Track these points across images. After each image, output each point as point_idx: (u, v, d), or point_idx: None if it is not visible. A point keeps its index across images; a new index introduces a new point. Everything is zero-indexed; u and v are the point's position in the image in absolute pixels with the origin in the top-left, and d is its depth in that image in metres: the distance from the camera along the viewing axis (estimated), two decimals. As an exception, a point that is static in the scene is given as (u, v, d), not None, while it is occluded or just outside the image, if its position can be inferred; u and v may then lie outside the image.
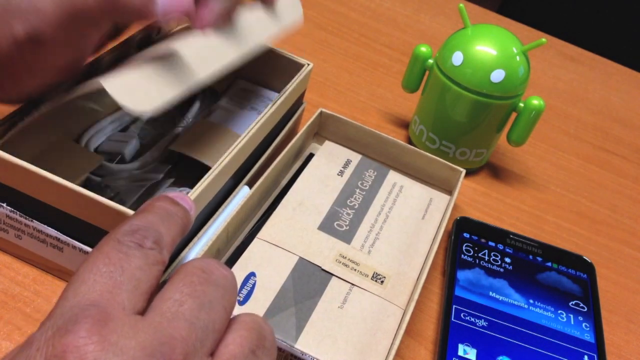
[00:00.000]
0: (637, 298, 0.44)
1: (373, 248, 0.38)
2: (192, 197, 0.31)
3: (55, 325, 0.19)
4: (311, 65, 0.43)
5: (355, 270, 0.36)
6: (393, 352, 0.32)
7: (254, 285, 0.33)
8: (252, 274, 0.34)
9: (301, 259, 0.36)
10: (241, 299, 0.33)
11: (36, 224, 0.31)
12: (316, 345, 0.32)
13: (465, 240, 0.42)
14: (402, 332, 0.33)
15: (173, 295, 0.22)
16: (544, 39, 0.44)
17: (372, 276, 0.36)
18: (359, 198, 0.41)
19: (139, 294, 0.21)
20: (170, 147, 0.39)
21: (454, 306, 0.38)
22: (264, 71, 0.46)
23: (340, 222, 0.39)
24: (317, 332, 0.32)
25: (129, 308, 0.21)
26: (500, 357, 0.36)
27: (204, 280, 0.23)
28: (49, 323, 0.20)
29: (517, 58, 0.45)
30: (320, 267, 0.36)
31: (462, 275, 0.40)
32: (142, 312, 0.21)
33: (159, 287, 0.23)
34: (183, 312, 0.21)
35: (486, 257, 0.41)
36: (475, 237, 0.43)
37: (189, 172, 0.38)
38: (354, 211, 0.40)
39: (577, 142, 0.58)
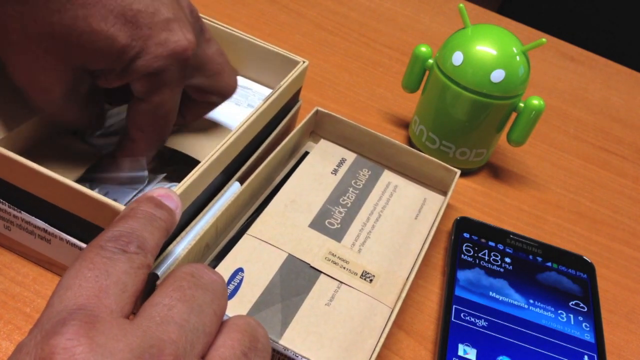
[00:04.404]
0: (637, 298, 0.44)
1: (364, 247, 0.38)
2: (179, 191, 0.31)
3: (44, 330, 0.20)
4: (306, 62, 0.43)
5: (344, 268, 0.36)
6: (377, 349, 0.32)
7: (241, 280, 0.34)
8: (240, 270, 0.34)
9: (290, 255, 0.36)
10: (228, 294, 0.33)
11: (24, 215, 0.32)
12: (301, 342, 0.31)
13: (465, 240, 0.42)
14: (387, 330, 0.33)
15: (162, 300, 0.22)
16: (544, 39, 0.44)
17: (361, 274, 0.36)
18: (352, 197, 0.41)
19: (126, 297, 0.22)
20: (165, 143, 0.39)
21: (454, 306, 0.38)
22: (260, 69, 0.46)
23: (331, 220, 0.39)
24: (302, 329, 0.32)
25: (116, 311, 0.21)
26: (500, 357, 0.36)
27: (193, 285, 0.23)
28: (36, 329, 0.20)
29: (517, 58, 0.45)
30: (309, 264, 0.36)
31: (462, 275, 0.40)
32: (130, 315, 0.22)
33: (146, 291, 0.23)
34: (172, 316, 0.21)
35: (486, 257, 0.41)
36: (475, 237, 0.43)
37: (183, 167, 0.38)
38: (346, 209, 0.40)
39: (577, 142, 0.58)
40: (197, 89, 0.37)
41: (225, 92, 0.38)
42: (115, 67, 0.31)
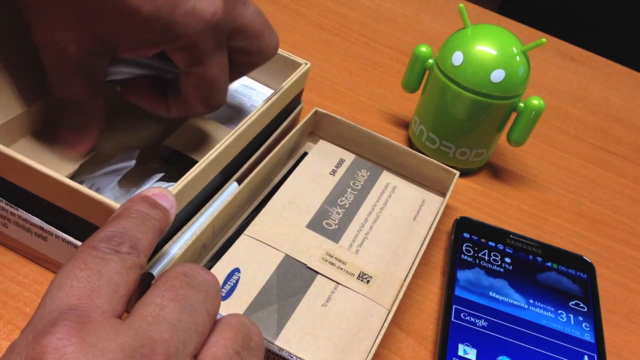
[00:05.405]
0: (637, 298, 0.44)
1: (361, 248, 0.38)
2: (175, 191, 0.31)
3: (35, 330, 0.20)
4: (309, 64, 0.43)
5: (341, 269, 0.36)
6: (373, 351, 0.32)
7: (237, 280, 0.33)
8: (237, 270, 0.34)
9: (287, 256, 0.36)
10: (224, 294, 0.33)
11: (21, 212, 0.32)
12: (296, 343, 0.31)
13: (465, 240, 0.42)
14: (384, 331, 0.32)
15: (154, 300, 0.22)
16: (544, 39, 0.44)
17: (358, 275, 0.36)
18: (350, 197, 0.41)
19: (118, 297, 0.21)
20: (164, 142, 0.39)
21: (454, 306, 0.38)
22: (263, 70, 0.46)
23: (329, 221, 0.39)
24: (298, 330, 0.32)
25: (108, 311, 0.21)
26: (500, 357, 0.36)
27: (185, 285, 0.23)
28: (28, 329, 0.20)
29: (517, 58, 0.45)
30: (306, 264, 0.35)
31: (462, 275, 0.40)
32: (122, 315, 0.22)
33: (140, 291, 0.23)
34: (164, 316, 0.21)
35: (486, 257, 0.41)
36: (475, 237, 0.43)
37: (182, 167, 0.38)
38: (344, 210, 0.40)
39: (577, 142, 0.58)
40: (239, 51, 0.36)
41: (266, 53, 0.37)
42: (140, 39, 0.31)
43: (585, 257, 0.44)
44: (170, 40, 0.31)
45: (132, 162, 0.36)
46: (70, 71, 0.32)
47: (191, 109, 0.36)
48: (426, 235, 0.39)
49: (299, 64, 0.43)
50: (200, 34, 0.31)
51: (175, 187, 0.31)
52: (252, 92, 0.46)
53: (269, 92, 0.47)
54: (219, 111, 0.43)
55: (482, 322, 0.37)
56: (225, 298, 0.33)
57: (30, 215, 0.32)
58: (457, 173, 0.43)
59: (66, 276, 0.21)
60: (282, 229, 0.37)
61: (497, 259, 0.42)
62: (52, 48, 0.31)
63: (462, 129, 0.47)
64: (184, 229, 0.34)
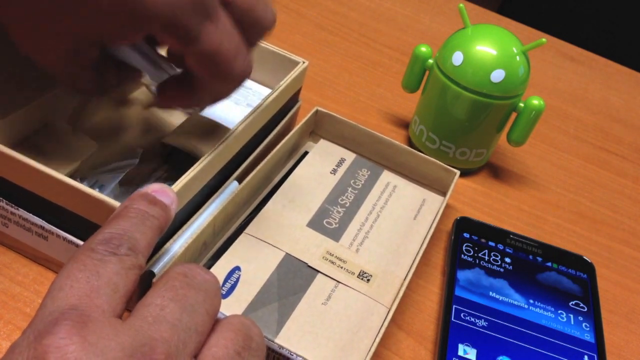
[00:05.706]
0: (637, 298, 0.44)
1: (362, 246, 0.38)
2: (175, 190, 0.31)
3: (36, 330, 0.20)
4: (306, 63, 0.43)
5: (341, 268, 0.36)
6: (373, 349, 0.32)
7: (237, 279, 0.34)
8: (237, 268, 0.34)
9: (288, 254, 0.36)
10: (224, 293, 0.33)
11: (22, 212, 0.32)
12: (297, 341, 0.32)
13: (465, 240, 0.42)
14: (384, 329, 0.33)
15: (155, 300, 0.22)
16: (544, 39, 0.44)
17: (359, 274, 0.36)
18: (350, 196, 0.41)
19: (118, 297, 0.22)
20: (163, 140, 0.39)
21: (454, 306, 0.38)
22: (261, 69, 0.46)
23: (330, 220, 0.39)
24: (298, 328, 0.32)
25: (108, 311, 0.21)
26: (500, 357, 0.36)
27: (185, 285, 0.23)
28: (29, 329, 0.20)
29: (517, 58, 0.45)
30: (306, 263, 0.36)
31: (462, 275, 0.40)
32: (122, 316, 0.22)
33: (141, 290, 0.23)
34: (164, 316, 0.21)
35: (486, 257, 0.41)
36: (475, 237, 0.43)
37: (182, 165, 0.38)
38: (344, 209, 0.40)
39: (577, 142, 0.58)
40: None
41: (261, 25, 0.33)
42: (116, 27, 0.28)
43: (585, 257, 0.44)
44: (146, 23, 0.28)
45: (136, 161, 0.36)
46: (66, 71, 0.31)
47: (215, 90, 0.33)
48: (426, 235, 0.39)
49: (297, 62, 0.43)
50: (177, 8, 0.27)
51: (175, 186, 0.31)
52: (248, 91, 0.46)
53: (265, 91, 0.47)
54: (217, 110, 0.43)
55: (482, 322, 0.37)
56: (225, 296, 0.33)
57: (30, 214, 0.32)
58: (458, 172, 0.43)
59: (66, 277, 0.21)
60: (282, 227, 0.37)
61: (497, 259, 0.42)
62: (38, 57, 0.31)
63: (462, 129, 0.48)
64: (184, 227, 0.34)
